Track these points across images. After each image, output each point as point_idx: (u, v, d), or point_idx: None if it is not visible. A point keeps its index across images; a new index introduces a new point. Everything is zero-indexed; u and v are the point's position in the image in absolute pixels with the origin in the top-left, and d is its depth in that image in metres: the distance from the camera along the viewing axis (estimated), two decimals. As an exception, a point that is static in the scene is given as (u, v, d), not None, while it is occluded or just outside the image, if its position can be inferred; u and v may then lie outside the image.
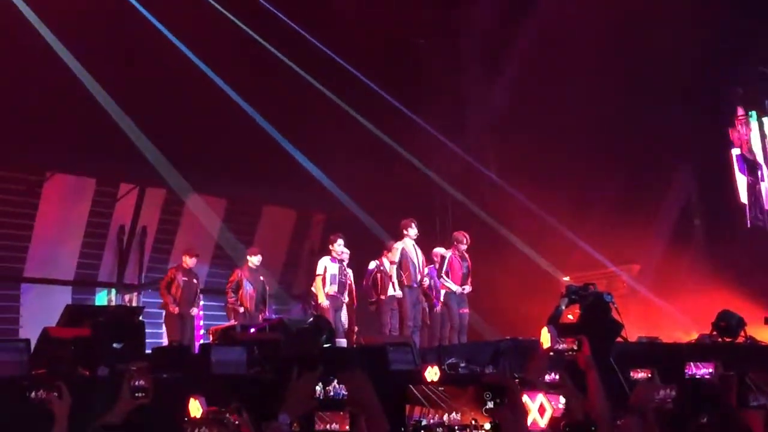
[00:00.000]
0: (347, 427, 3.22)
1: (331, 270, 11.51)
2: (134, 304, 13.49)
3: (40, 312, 12.56)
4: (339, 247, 11.53)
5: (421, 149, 14.32)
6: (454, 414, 3.04)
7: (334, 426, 3.27)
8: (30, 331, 11.10)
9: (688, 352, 7.55)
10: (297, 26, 13.78)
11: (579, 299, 5.86)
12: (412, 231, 11.49)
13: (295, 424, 3.29)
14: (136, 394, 3.39)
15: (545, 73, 13.60)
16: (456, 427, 3.01)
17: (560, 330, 3.91)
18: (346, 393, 3.32)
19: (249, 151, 13.46)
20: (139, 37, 12.25)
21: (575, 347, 3.76)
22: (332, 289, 11.35)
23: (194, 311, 11.84)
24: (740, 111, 14.55)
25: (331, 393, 3.36)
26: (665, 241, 12.95)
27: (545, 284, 12.32)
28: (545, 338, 3.87)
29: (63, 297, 12.98)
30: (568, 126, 13.22)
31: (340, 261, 11.51)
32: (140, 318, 9.30)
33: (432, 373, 5.09)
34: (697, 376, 3.75)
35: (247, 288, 11.70)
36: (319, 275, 11.47)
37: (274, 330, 10.32)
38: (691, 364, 3.77)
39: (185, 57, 12.69)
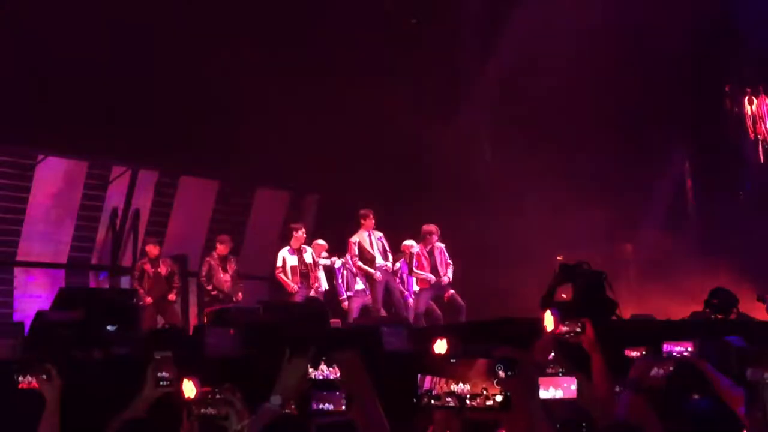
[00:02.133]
0: (343, 408, 3.21)
1: (290, 262, 11.64)
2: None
3: (34, 295, 12.59)
4: (298, 235, 11.76)
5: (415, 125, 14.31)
6: (462, 384, 3.03)
7: (329, 406, 3.26)
8: (23, 314, 11.12)
9: (672, 330, 7.56)
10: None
11: (572, 277, 5.87)
12: (369, 222, 11.60)
13: (292, 405, 3.29)
14: (161, 383, 3.38)
15: (540, 53, 13.56)
16: (467, 397, 3.00)
17: (560, 310, 3.91)
18: (339, 375, 3.32)
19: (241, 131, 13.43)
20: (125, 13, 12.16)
21: (578, 329, 3.76)
22: (295, 280, 11.53)
23: (172, 297, 11.99)
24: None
25: (324, 375, 3.35)
26: (659, 220, 12.96)
27: (538, 262, 12.31)
28: (549, 321, 3.87)
29: (56, 280, 13.00)
30: (561, 104, 13.21)
31: (299, 251, 11.64)
32: (134, 300, 9.31)
33: (440, 347, 5.07)
34: (674, 354, 3.75)
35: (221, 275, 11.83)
36: (278, 268, 11.69)
37: (268, 311, 10.31)
38: (670, 342, 3.77)
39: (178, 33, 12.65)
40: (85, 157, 13.30)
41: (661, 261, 12.65)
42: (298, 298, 11.57)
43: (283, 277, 11.72)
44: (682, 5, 12.38)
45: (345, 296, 11.98)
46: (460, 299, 11.74)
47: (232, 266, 11.98)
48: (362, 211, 11.80)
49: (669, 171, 13.79)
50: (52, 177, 12.98)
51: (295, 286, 11.61)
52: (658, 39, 12.90)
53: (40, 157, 12.80)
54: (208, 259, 12.12)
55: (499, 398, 2.88)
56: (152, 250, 12.09)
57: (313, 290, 11.71)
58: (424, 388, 3.08)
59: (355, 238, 11.68)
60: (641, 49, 13.32)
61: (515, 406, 2.89)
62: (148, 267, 11.89)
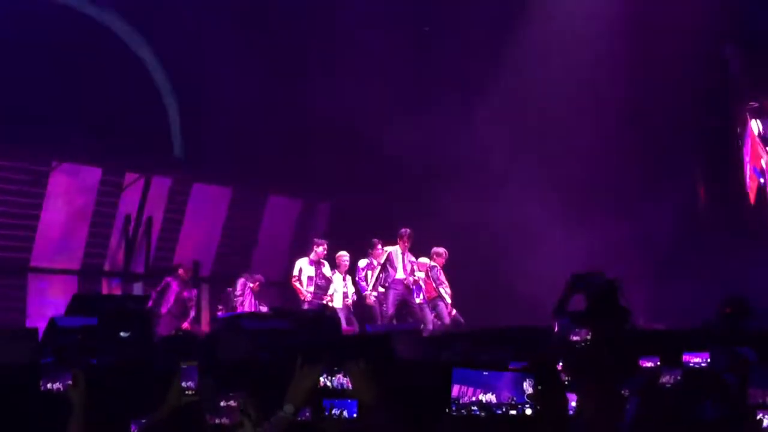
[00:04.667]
0: (355, 415, 3.24)
1: (306, 272, 11.90)
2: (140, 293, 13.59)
3: (47, 301, 12.65)
4: (319, 250, 12.12)
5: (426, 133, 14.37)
6: (491, 394, 3.00)
7: (343, 412, 3.29)
8: (37, 320, 11.18)
9: (688, 339, 7.53)
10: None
11: (585, 287, 5.84)
12: (403, 242, 12.09)
13: (306, 413, 3.31)
14: (186, 393, 3.39)
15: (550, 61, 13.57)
16: (494, 407, 2.98)
17: (572, 319, 3.92)
18: (350, 384, 3.34)
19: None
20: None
21: (588, 338, 3.76)
22: (309, 290, 11.72)
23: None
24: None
25: (336, 383, 3.36)
26: (669, 229, 12.91)
27: (549, 271, 12.29)
28: (559, 328, 3.88)
29: (69, 286, 13.06)
30: (571, 112, 13.21)
31: (318, 263, 11.84)
32: (147, 307, 9.36)
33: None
34: (691, 364, 3.75)
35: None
36: (294, 276, 12.04)
37: (281, 319, 10.35)
38: (689, 352, 3.77)
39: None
40: (98, 164, 13.39)
41: (671, 269, 12.60)
42: (310, 307, 11.72)
43: (298, 285, 12.04)
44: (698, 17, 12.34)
45: (368, 292, 12.06)
46: (460, 317, 12.34)
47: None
48: (400, 231, 12.18)
49: (681, 178, 13.72)
50: (66, 184, 13.04)
51: (308, 295, 11.87)
52: (669, 45, 12.87)
53: (55, 163, 12.87)
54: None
55: (528, 411, 2.87)
56: (184, 275, 12.57)
57: (327, 300, 11.90)
58: (452, 397, 3.07)
59: (388, 248, 12.15)
60: (653, 56, 13.29)
61: (544, 419, 2.87)
62: (174, 285, 12.31)
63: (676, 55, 12.75)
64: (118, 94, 13.33)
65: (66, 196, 13.04)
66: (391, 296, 11.96)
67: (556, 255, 12.52)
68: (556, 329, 3.88)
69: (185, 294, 12.47)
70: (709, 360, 3.85)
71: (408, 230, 12.18)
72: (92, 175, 13.35)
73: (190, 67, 13.76)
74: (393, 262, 12.04)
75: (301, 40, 14.30)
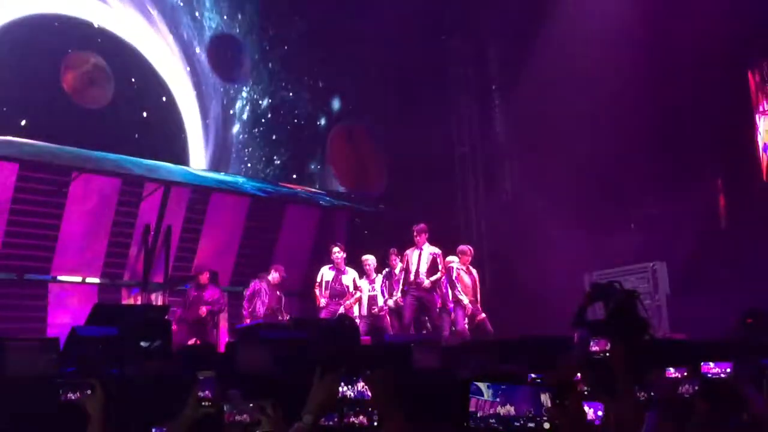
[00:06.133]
0: (375, 423, 3.24)
1: (326, 277, 12.02)
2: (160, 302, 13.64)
3: (67, 311, 12.75)
4: (335, 254, 12.04)
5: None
6: (509, 406, 2.99)
7: (361, 419, 3.30)
8: (57, 330, 11.25)
9: (708, 350, 7.47)
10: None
11: (604, 297, 5.81)
12: (419, 238, 11.89)
13: (330, 422, 3.32)
14: (203, 404, 3.39)
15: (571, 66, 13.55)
16: (512, 420, 2.97)
17: (591, 328, 3.90)
18: (370, 393, 3.34)
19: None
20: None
21: (607, 349, 3.73)
22: (325, 294, 11.74)
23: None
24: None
25: (355, 393, 3.36)
26: (692, 238, 12.81)
27: (569, 281, 12.25)
28: (579, 340, 3.86)
29: (89, 296, 13.14)
30: (592, 120, 13.17)
31: (338, 270, 11.85)
32: (167, 317, 9.39)
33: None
34: (709, 375, 3.73)
35: None
36: (316, 282, 12.15)
37: (299, 329, 10.37)
38: (708, 363, 3.75)
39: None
40: (117, 174, 13.48)
41: (693, 278, 12.50)
42: (325, 314, 11.68)
43: (316, 291, 12.09)
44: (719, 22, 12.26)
45: (393, 297, 12.09)
46: (489, 325, 11.91)
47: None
48: (414, 227, 12.03)
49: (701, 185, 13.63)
50: (86, 194, 13.13)
51: (323, 300, 11.81)
52: (690, 54, 12.81)
53: (75, 173, 12.96)
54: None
55: (546, 425, 2.85)
56: (203, 278, 12.37)
57: (342, 308, 11.88)
58: (470, 410, 3.06)
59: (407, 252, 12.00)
60: (673, 64, 13.24)
61: None
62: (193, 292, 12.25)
63: (698, 59, 12.70)
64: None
65: (86, 206, 13.14)
66: (408, 301, 11.82)
67: (571, 260, 12.50)
68: (575, 340, 3.86)
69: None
70: (730, 371, 3.82)
71: (418, 225, 11.95)
72: (112, 185, 13.44)
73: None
74: (408, 265, 11.87)
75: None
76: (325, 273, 12.10)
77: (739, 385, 3.80)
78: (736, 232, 13.13)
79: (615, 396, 3.52)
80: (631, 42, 12.93)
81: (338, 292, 11.98)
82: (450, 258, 12.13)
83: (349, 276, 12.15)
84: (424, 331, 12.01)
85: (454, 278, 11.88)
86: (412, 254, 11.90)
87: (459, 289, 11.83)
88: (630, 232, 13.25)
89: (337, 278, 12.01)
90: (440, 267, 11.88)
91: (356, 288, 12.17)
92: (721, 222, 13.75)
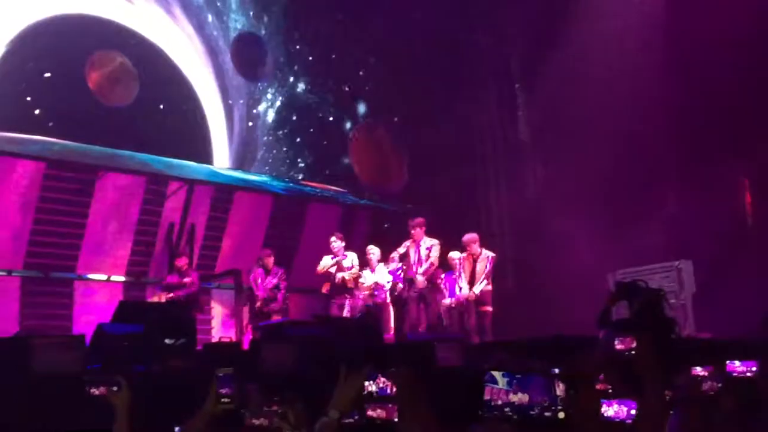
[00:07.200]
0: (396, 419, 3.26)
1: (324, 263, 11.94)
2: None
3: (93, 308, 12.87)
4: (333, 243, 11.90)
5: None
6: (522, 394, 2.98)
7: (383, 413, 3.31)
8: (83, 327, 11.37)
9: (734, 349, 7.41)
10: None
11: (629, 296, 5.77)
12: (416, 232, 11.58)
13: (352, 419, 3.33)
14: (222, 400, 3.39)
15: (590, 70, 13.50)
16: (526, 408, 2.96)
17: (616, 327, 3.87)
18: (394, 390, 3.35)
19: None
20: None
21: (633, 346, 3.70)
22: (325, 284, 11.72)
23: None
24: None
25: (379, 390, 3.39)
26: (718, 236, 12.70)
27: (592, 280, 12.18)
28: (604, 339, 3.84)
29: (114, 294, 13.25)
30: (614, 118, 13.10)
31: (338, 263, 11.80)
32: (191, 314, 9.44)
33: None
34: (735, 374, 3.70)
35: None
36: (318, 270, 11.98)
37: (322, 326, 10.39)
38: (733, 361, 3.72)
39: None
40: (142, 173, 13.58)
41: (720, 277, 12.39)
42: (335, 308, 11.63)
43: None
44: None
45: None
46: (488, 321, 11.61)
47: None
48: (409, 221, 11.87)
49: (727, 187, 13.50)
50: (111, 192, 13.24)
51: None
52: (713, 53, 12.71)
53: (101, 172, 13.07)
54: None
55: (561, 415, 2.85)
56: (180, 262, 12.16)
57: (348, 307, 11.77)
58: (484, 399, 3.06)
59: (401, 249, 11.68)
60: (695, 63, 13.13)
61: (576, 424, 2.86)
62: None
63: (721, 58, 12.59)
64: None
65: (111, 205, 13.24)
66: (410, 297, 11.60)
67: (594, 260, 12.43)
68: (601, 338, 3.84)
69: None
70: (756, 369, 3.79)
71: (414, 219, 11.77)
72: (137, 183, 13.54)
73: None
74: (409, 260, 11.58)
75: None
76: (326, 262, 11.90)
77: (764, 383, 3.77)
78: (763, 231, 12.99)
79: (641, 395, 3.49)
80: (653, 40, 12.84)
81: (338, 287, 11.81)
82: (452, 254, 11.97)
83: (349, 259, 11.94)
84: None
85: (457, 275, 11.62)
86: (410, 249, 11.64)
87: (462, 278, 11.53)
88: (654, 231, 13.15)
89: (339, 269, 11.85)
90: (432, 256, 11.54)
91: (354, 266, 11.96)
92: (747, 220, 13.60)
